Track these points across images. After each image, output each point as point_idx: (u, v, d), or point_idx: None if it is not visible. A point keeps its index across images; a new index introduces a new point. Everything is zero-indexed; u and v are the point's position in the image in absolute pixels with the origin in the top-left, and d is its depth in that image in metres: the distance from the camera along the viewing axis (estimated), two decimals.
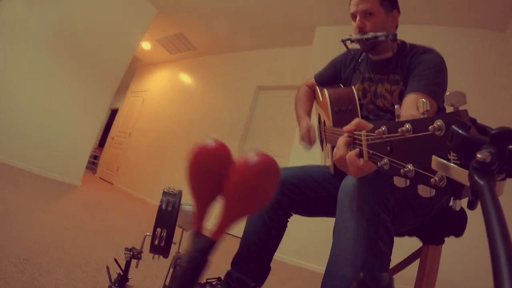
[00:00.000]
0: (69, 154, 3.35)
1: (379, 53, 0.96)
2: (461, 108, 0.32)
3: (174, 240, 0.94)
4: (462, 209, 0.91)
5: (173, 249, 0.96)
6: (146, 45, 5.02)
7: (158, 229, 0.86)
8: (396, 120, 0.44)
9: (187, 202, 0.93)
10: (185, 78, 5.15)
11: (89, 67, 3.39)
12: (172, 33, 4.37)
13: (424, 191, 0.36)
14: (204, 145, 0.61)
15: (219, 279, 1.03)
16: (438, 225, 0.89)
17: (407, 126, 0.38)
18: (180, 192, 0.96)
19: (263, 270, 0.98)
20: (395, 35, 0.90)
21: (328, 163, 1.06)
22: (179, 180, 4.92)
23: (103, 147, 6.52)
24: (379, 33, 0.88)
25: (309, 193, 0.98)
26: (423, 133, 0.35)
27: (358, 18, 0.93)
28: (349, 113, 0.93)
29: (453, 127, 0.30)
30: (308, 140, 1.06)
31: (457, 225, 0.89)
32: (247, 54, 4.32)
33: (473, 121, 0.31)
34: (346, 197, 0.67)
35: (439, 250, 0.95)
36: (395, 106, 0.46)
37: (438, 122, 0.32)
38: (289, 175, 0.99)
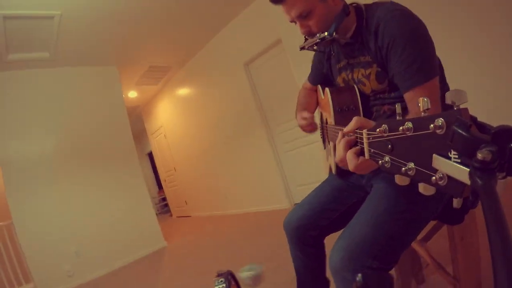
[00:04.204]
0: (139, 229, 3.75)
1: (343, 37, 0.87)
2: (461, 106, 0.32)
3: None
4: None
5: None
6: (132, 94, 5.37)
7: None
8: (398, 118, 0.44)
9: (244, 268, 1.01)
10: (183, 95, 5.28)
11: (98, 151, 3.69)
12: (143, 71, 4.60)
13: (425, 189, 0.37)
14: None
15: None
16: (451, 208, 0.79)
17: (408, 124, 0.38)
18: (228, 276, 0.99)
19: (323, 286, 1.09)
20: (344, 12, 0.81)
21: (331, 161, 1.06)
22: (233, 179, 4.77)
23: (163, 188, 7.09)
24: (324, 34, 0.80)
25: (323, 223, 1.01)
26: (424, 132, 0.35)
27: (298, 24, 0.83)
28: (351, 112, 0.92)
29: (454, 126, 0.30)
30: (306, 127, 1.08)
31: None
32: (213, 42, 4.21)
33: (474, 119, 0.31)
34: (331, 272, 0.75)
35: (473, 225, 0.82)
36: (396, 105, 0.46)
37: (439, 121, 0.32)
38: (300, 217, 1.03)
